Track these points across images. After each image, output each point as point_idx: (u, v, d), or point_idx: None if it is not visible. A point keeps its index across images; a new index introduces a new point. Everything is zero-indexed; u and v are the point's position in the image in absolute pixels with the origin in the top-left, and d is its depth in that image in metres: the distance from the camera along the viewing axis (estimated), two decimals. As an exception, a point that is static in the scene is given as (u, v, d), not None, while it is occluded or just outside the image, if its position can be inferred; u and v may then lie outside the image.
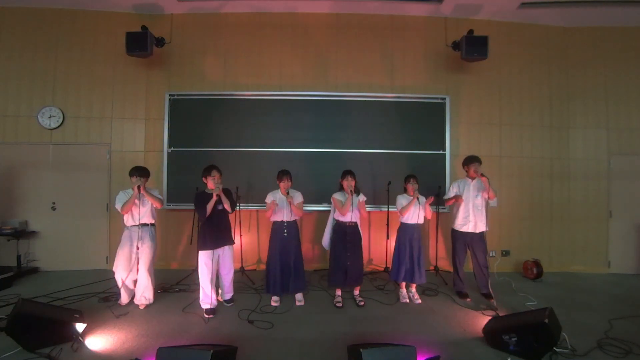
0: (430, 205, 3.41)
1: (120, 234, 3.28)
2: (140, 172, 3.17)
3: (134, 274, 3.18)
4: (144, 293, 3.20)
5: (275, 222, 3.35)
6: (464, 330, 2.81)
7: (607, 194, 4.68)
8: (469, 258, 3.60)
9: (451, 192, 3.60)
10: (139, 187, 3.06)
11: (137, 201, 3.13)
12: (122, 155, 4.48)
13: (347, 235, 3.29)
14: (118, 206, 3.12)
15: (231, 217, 3.34)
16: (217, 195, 3.03)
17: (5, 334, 2.36)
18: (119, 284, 3.19)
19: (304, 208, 3.58)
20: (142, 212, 3.19)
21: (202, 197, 3.10)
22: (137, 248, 3.15)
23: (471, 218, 3.46)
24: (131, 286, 3.23)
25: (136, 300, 3.21)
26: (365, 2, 4.45)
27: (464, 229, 3.49)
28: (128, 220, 3.19)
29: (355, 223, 3.34)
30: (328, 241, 3.45)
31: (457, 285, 3.63)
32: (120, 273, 3.15)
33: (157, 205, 3.24)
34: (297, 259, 3.33)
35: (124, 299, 3.22)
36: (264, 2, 4.43)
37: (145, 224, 3.21)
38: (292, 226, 3.34)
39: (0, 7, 4.41)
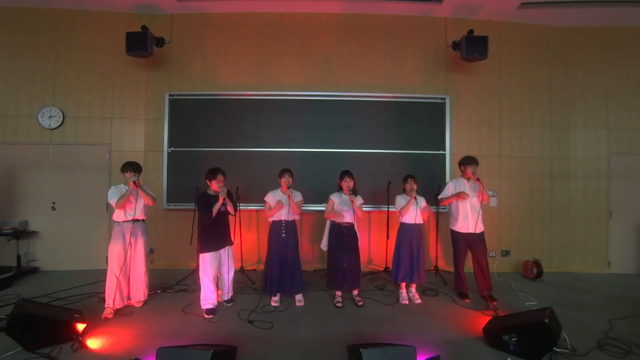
0: (430, 205, 3.40)
1: None
2: (135, 167, 3.11)
3: (126, 271, 3.12)
4: (141, 289, 3.19)
5: (273, 222, 3.34)
6: (464, 330, 2.80)
7: (607, 194, 4.68)
8: (469, 258, 3.59)
9: (448, 191, 3.58)
10: (134, 183, 3.01)
11: (131, 197, 3.08)
12: (122, 155, 4.45)
13: (343, 237, 3.29)
14: (112, 201, 3.05)
15: (231, 217, 3.34)
16: (223, 198, 3.03)
17: (5, 334, 2.36)
18: (113, 285, 3.02)
19: (303, 208, 3.58)
20: (136, 208, 3.13)
21: (205, 199, 3.11)
22: (131, 244, 3.11)
23: (470, 218, 3.45)
24: (124, 287, 3.13)
25: (133, 299, 3.20)
26: (365, 2, 4.44)
27: (463, 230, 3.48)
28: (120, 216, 3.12)
29: (352, 224, 3.34)
30: (326, 243, 3.45)
31: (457, 286, 3.63)
32: (115, 270, 3.04)
33: (150, 202, 3.18)
34: (294, 260, 3.31)
35: (117, 303, 3.04)
36: (264, 2, 4.43)
37: (137, 220, 3.17)
38: (290, 226, 3.33)
39: (0, 7, 4.41)
